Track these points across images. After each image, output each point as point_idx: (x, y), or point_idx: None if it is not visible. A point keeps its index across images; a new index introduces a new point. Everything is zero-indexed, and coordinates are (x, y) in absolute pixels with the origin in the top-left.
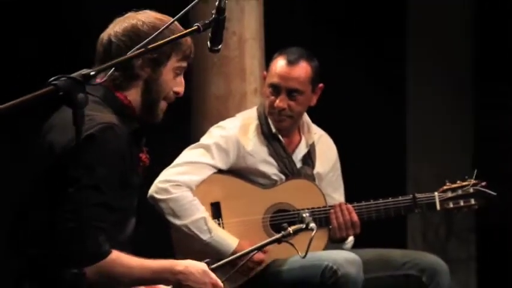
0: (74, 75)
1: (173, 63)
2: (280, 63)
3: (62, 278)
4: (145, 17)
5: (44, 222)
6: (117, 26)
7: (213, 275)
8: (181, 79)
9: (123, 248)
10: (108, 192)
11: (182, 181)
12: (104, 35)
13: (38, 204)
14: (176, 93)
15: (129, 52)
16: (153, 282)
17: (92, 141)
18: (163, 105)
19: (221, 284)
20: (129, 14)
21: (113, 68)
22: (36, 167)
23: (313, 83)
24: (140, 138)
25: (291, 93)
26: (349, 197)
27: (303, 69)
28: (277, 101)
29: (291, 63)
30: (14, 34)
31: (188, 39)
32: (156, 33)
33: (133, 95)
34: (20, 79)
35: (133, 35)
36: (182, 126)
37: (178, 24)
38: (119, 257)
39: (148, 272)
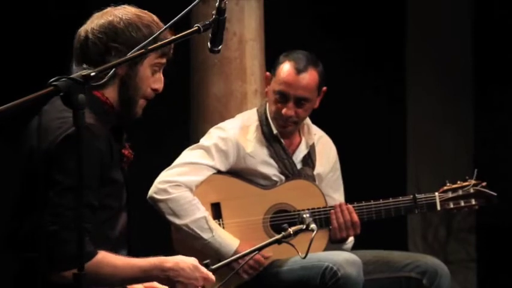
0: (74, 75)
1: (151, 60)
2: (288, 71)
3: (61, 280)
4: (123, 13)
5: (33, 226)
6: (94, 22)
7: (203, 269)
8: (160, 76)
9: (115, 245)
10: (88, 192)
11: (181, 181)
12: (81, 31)
13: (27, 207)
14: (154, 90)
15: (129, 53)
16: (143, 280)
17: (68, 142)
18: (141, 102)
19: (213, 278)
20: (107, 10)
21: (113, 69)
22: (22, 171)
23: (319, 88)
24: (121, 134)
25: (299, 101)
26: (350, 198)
27: (312, 76)
28: (285, 109)
29: (299, 71)
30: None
31: (167, 35)
32: (156, 34)
33: (110, 93)
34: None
35: (110, 32)
36: (182, 126)
37: (161, 23)
38: (105, 257)
39: (137, 271)
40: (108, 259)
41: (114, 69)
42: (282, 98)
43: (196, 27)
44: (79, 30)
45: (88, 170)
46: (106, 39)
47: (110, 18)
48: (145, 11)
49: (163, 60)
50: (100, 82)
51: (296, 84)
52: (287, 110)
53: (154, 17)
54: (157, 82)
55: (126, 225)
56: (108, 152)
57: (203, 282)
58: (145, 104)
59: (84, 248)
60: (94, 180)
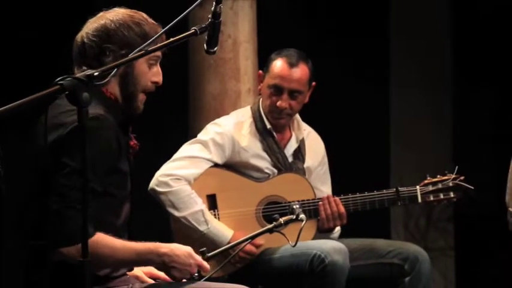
0: (79, 75)
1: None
2: (281, 66)
3: (69, 266)
4: (114, 15)
5: (45, 215)
6: (89, 27)
7: (197, 257)
8: (157, 69)
9: (118, 234)
10: (93, 178)
11: (181, 175)
12: (78, 36)
13: (36, 198)
14: (154, 82)
15: (131, 54)
16: (138, 263)
17: (77, 131)
18: (141, 97)
19: (207, 265)
20: (100, 14)
21: (116, 69)
22: (32, 164)
23: (309, 82)
24: (127, 127)
25: (293, 93)
26: (336, 190)
27: (303, 70)
28: (280, 101)
29: (292, 65)
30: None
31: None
32: (155, 36)
33: (113, 89)
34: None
35: (103, 34)
36: (180, 123)
37: (157, 25)
38: (103, 239)
39: (133, 253)
40: (105, 240)
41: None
42: (277, 91)
43: (193, 30)
44: (76, 36)
45: (96, 157)
46: (100, 42)
47: (103, 22)
48: (136, 11)
49: (158, 53)
50: (104, 81)
51: (290, 77)
52: (282, 102)
53: (144, 15)
54: (156, 75)
55: (129, 214)
56: (116, 141)
57: (197, 269)
58: (145, 98)
59: (86, 230)
60: (100, 167)
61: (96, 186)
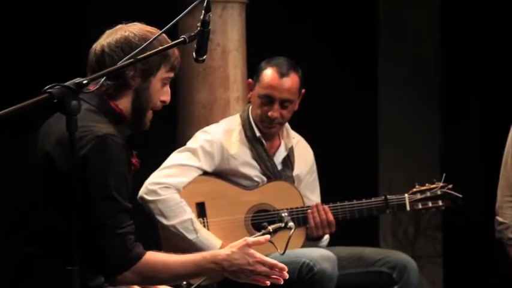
0: (67, 83)
1: (162, 73)
2: (272, 75)
3: (59, 275)
4: (136, 29)
5: (43, 224)
6: (110, 38)
7: (257, 254)
8: (167, 88)
9: None
10: (121, 198)
11: (170, 183)
12: (97, 46)
13: (38, 206)
14: (163, 101)
15: (119, 62)
16: (198, 274)
17: (96, 152)
18: (149, 114)
19: (268, 259)
20: (120, 26)
21: (104, 77)
22: (36, 172)
23: (299, 90)
24: (131, 143)
25: (284, 103)
26: (325, 198)
27: (294, 80)
28: (271, 111)
29: (282, 75)
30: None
31: (176, 51)
32: (145, 44)
33: (124, 104)
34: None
35: (126, 46)
36: (169, 131)
37: (166, 37)
38: (154, 256)
39: (191, 265)
40: (157, 257)
41: (127, 79)
42: (268, 101)
43: (182, 38)
44: (94, 45)
45: (117, 177)
46: (122, 53)
47: (126, 34)
48: (154, 28)
49: (172, 75)
50: (110, 91)
51: (280, 87)
52: (273, 112)
53: (163, 34)
54: (165, 94)
55: None
56: (126, 160)
57: (259, 266)
58: (152, 116)
59: (129, 251)
60: (122, 186)
61: (127, 204)
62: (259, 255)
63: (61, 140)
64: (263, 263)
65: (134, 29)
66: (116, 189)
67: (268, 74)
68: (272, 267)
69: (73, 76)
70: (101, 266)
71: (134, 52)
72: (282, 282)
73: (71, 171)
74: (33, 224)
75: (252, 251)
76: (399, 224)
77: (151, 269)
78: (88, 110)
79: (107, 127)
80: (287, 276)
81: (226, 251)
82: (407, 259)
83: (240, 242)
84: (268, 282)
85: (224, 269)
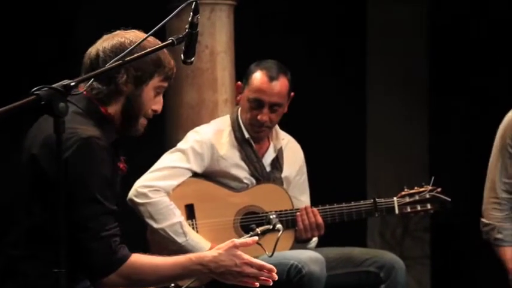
0: (55, 85)
1: (155, 82)
2: (261, 79)
3: (45, 278)
4: (133, 36)
5: (29, 226)
6: (106, 42)
7: (244, 256)
8: (160, 98)
9: None
10: (105, 201)
11: (160, 186)
12: (92, 50)
13: (24, 209)
14: (154, 110)
15: (107, 64)
16: (184, 276)
17: (80, 154)
18: (143, 120)
19: (256, 261)
20: (118, 32)
21: (92, 79)
22: (23, 174)
23: (289, 94)
24: (118, 148)
25: (273, 106)
26: (313, 200)
27: (283, 83)
28: (260, 115)
29: (272, 79)
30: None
31: (171, 61)
32: (133, 46)
33: (114, 109)
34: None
35: (120, 52)
36: (157, 133)
37: (158, 42)
38: (140, 258)
39: (178, 267)
40: (142, 259)
41: (118, 85)
42: (257, 104)
43: (171, 40)
44: (89, 49)
45: (99, 180)
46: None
47: (122, 40)
48: (152, 37)
49: (165, 84)
50: (101, 95)
51: (270, 91)
52: (262, 116)
53: (159, 42)
54: (158, 104)
55: None
56: (110, 164)
57: (246, 267)
58: (146, 122)
59: (114, 253)
60: (106, 188)
61: (111, 206)
62: (246, 257)
63: (47, 141)
64: (251, 265)
65: (131, 35)
66: (99, 191)
67: (258, 77)
68: (260, 268)
69: (62, 78)
70: (86, 268)
71: (122, 54)
72: (271, 283)
73: (56, 173)
74: (18, 227)
75: (239, 252)
76: (387, 224)
77: (137, 272)
78: (75, 112)
79: (92, 130)
80: (276, 277)
81: (213, 252)
82: (395, 259)
83: (227, 244)
84: (257, 284)
85: (211, 270)
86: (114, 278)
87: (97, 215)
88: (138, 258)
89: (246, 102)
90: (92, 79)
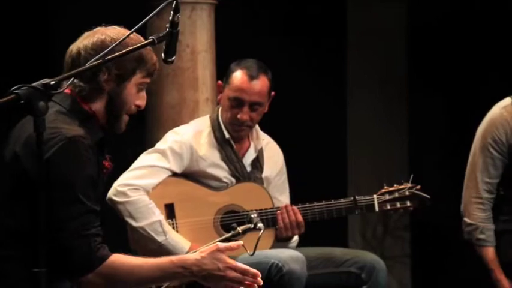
0: (35, 84)
1: (137, 79)
2: (242, 78)
3: (24, 278)
4: (114, 32)
5: (9, 226)
6: (86, 40)
7: (228, 260)
8: (143, 94)
9: None
10: (87, 200)
11: (139, 185)
12: (73, 47)
13: (6, 208)
14: (138, 106)
15: (88, 63)
16: (164, 279)
17: (63, 154)
18: (125, 118)
19: (240, 265)
20: (99, 29)
21: (73, 78)
22: (5, 173)
23: (269, 93)
24: (102, 146)
25: (253, 106)
26: (294, 199)
27: (264, 82)
28: (241, 114)
29: (252, 78)
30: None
31: (154, 57)
32: (114, 44)
33: (97, 107)
34: None
35: (101, 50)
36: (138, 132)
37: (141, 39)
38: (120, 258)
39: (157, 270)
40: (122, 260)
41: (100, 83)
42: (237, 103)
43: (151, 39)
44: (70, 46)
45: (83, 180)
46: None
47: (102, 37)
48: (135, 33)
49: (148, 80)
50: (60, 90)
51: (250, 90)
52: (242, 115)
53: (142, 39)
54: (141, 99)
55: None
56: (95, 163)
57: (230, 271)
58: (128, 119)
59: (93, 253)
60: (89, 188)
61: (93, 206)
62: (230, 261)
63: (29, 140)
64: (234, 269)
65: (112, 32)
66: (82, 191)
67: (238, 76)
68: (244, 273)
69: (42, 77)
70: (65, 267)
71: (103, 53)
72: None
73: (37, 172)
74: (0, 227)
75: (222, 256)
76: (368, 224)
77: (116, 272)
78: (59, 111)
79: (76, 129)
80: (261, 282)
81: (196, 255)
82: (375, 259)
83: (210, 247)
84: None
85: (193, 274)
86: (93, 277)
87: (79, 214)
88: (117, 259)
89: (226, 101)
90: (72, 78)
